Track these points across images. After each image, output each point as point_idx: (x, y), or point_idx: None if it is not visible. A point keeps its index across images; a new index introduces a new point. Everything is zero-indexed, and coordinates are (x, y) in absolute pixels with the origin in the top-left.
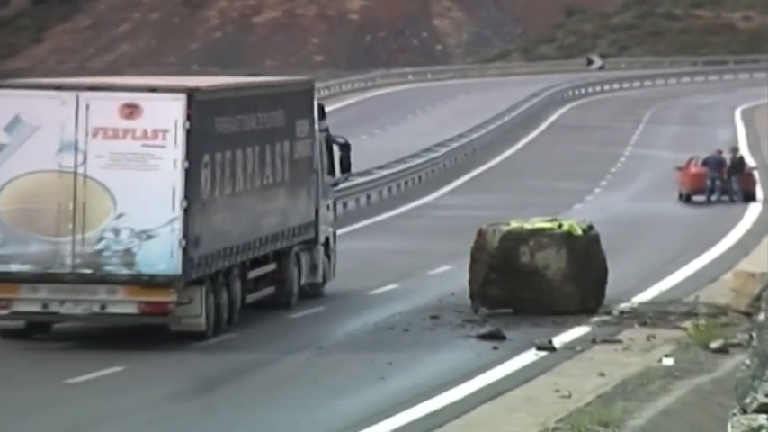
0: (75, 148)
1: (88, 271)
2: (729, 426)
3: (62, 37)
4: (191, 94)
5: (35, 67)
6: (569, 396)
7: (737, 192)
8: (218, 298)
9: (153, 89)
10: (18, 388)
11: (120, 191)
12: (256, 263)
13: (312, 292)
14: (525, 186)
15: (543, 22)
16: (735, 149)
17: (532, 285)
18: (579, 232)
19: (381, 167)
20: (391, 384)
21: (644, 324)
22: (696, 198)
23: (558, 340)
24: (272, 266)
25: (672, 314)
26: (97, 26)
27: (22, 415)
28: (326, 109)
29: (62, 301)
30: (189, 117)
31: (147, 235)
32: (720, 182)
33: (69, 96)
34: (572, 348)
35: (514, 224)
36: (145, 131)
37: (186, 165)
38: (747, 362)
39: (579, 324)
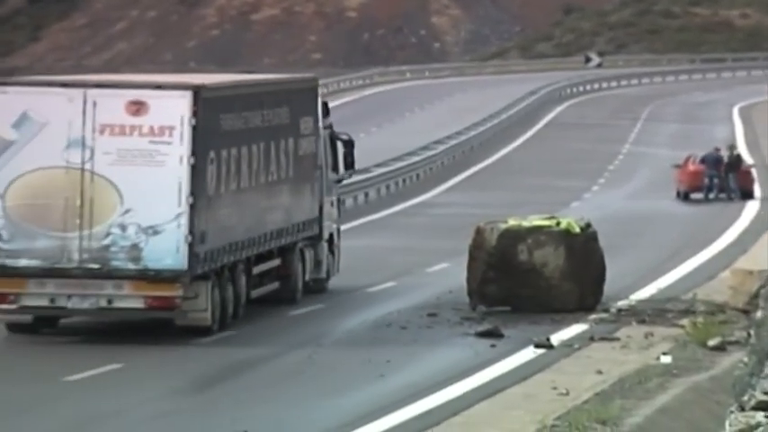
0: (83, 145)
1: (95, 266)
2: (727, 423)
3: (59, 35)
4: (197, 91)
5: (32, 66)
6: (567, 394)
7: (735, 189)
8: (224, 293)
9: (159, 86)
10: (17, 385)
11: (127, 187)
12: (261, 258)
13: (316, 288)
14: (523, 184)
15: (541, 19)
16: (732, 147)
17: (530, 283)
18: (577, 230)
19: (379, 165)
20: (390, 382)
21: (642, 322)
22: (694, 196)
23: (556, 338)
24: (276, 262)
25: (670, 312)
26: (94, 24)
27: (22, 412)
28: None
29: (69, 296)
30: (195, 114)
31: (153, 230)
32: (718, 179)
33: (77, 93)
34: (570, 346)
35: (512, 222)
36: (151, 128)
37: (192, 161)
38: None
39: (577, 322)
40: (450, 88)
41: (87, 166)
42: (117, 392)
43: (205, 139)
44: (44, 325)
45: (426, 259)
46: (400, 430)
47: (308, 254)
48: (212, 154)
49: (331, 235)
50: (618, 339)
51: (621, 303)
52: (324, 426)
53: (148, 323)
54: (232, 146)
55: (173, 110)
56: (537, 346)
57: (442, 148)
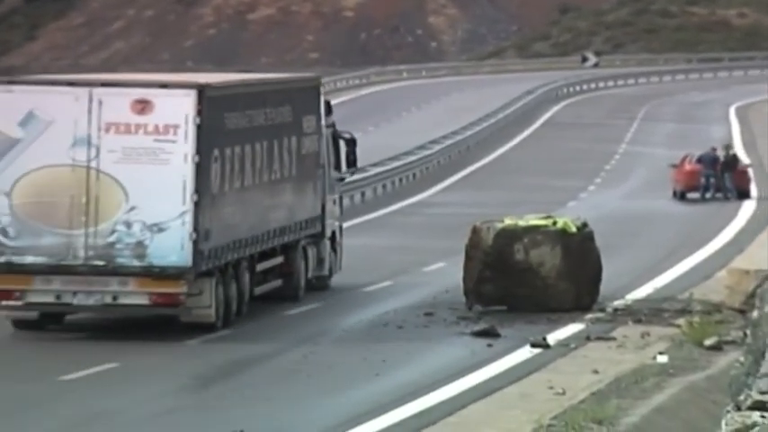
0: (88, 143)
1: (100, 263)
2: (723, 423)
3: (56, 34)
4: (201, 89)
5: (29, 65)
6: (563, 393)
7: (731, 189)
8: (228, 290)
9: (164, 85)
10: (13, 384)
11: (132, 185)
12: (264, 256)
13: (319, 285)
14: (520, 183)
15: (538, 19)
16: (728, 147)
17: (527, 283)
18: (574, 229)
19: (375, 164)
20: (386, 381)
21: (638, 321)
22: (691, 195)
23: (553, 337)
24: (279, 259)
25: (666, 311)
26: (91, 23)
27: (17, 411)
28: None
29: (75, 293)
30: (199, 112)
31: (158, 228)
32: (715, 179)
33: (82, 92)
34: (566, 345)
35: (509, 221)
36: (156, 126)
37: (197, 159)
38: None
39: (573, 321)
40: (447, 88)
41: (93, 164)
42: (114, 392)
43: (209, 138)
44: (50, 321)
45: (423, 258)
46: (396, 429)
47: (311, 251)
48: (216, 152)
49: (333, 233)
50: (614, 339)
51: (618, 303)
52: (320, 425)
53: (147, 321)
54: (236, 144)
55: (177, 108)
56: (533, 345)
57: (438, 147)
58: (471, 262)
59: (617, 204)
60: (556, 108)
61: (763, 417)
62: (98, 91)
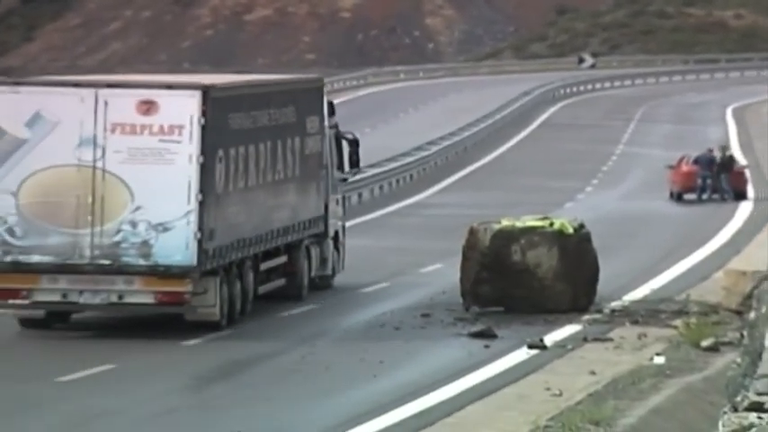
0: (94, 144)
1: (106, 262)
2: (720, 424)
3: (53, 35)
4: (206, 90)
5: (26, 66)
6: (560, 394)
7: (728, 190)
8: (232, 289)
9: (169, 86)
10: (9, 385)
11: (138, 184)
12: (268, 255)
13: (322, 285)
14: (516, 185)
15: (535, 20)
16: (724, 148)
17: (524, 284)
18: (570, 231)
19: (372, 166)
20: (383, 382)
21: (635, 322)
22: (687, 196)
23: (550, 339)
24: (283, 259)
25: (663, 312)
26: (88, 24)
27: (13, 413)
28: None
29: (81, 292)
30: (204, 113)
31: (163, 227)
32: (711, 180)
33: (88, 93)
34: (563, 347)
35: (506, 222)
36: (161, 127)
37: (201, 159)
38: (738, 360)
39: (570, 322)
40: (444, 89)
41: (99, 165)
42: (112, 392)
43: (214, 138)
44: (56, 320)
45: (420, 260)
46: (394, 430)
47: (314, 251)
48: (221, 152)
49: (336, 233)
50: (611, 340)
51: (615, 304)
52: (318, 425)
53: (147, 322)
54: (240, 144)
55: (182, 109)
56: (530, 346)
57: (435, 148)
58: (468, 263)
59: (614, 205)
60: (553, 109)
61: (759, 418)
62: (104, 92)
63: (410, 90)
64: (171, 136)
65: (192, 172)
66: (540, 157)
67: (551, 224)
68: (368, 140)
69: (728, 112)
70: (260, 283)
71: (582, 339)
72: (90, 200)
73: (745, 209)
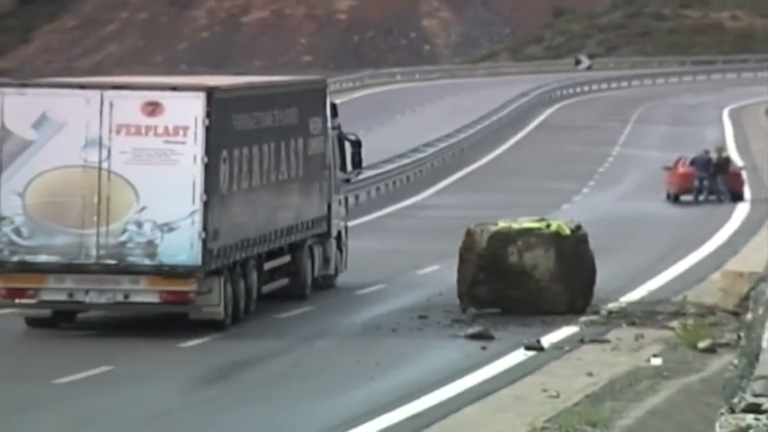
0: (100, 144)
1: (112, 262)
2: (717, 425)
3: (49, 37)
4: (210, 92)
5: (22, 68)
6: (557, 396)
7: (724, 191)
8: (236, 288)
9: (174, 88)
10: (6, 387)
11: (143, 185)
12: (272, 255)
13: (325, 284)
14: (513, 186)
15: (531, 22)
16: (720, 149)
17: (521, 285)
18: (567, 232)
19: (369, 167)
20: (379, 384)
21: (632, 324)
22: (684, 198)
23: (547, 340)
24: (286, 258)
25: (660, 314)
26: (84, 26)
27: (10, 414)
28: None
29: (87, 291)
30: (208, 114)
31: (168, 227)
32: (708, 182)
33: (94, 95)
34: (560, 348)
35: (503, 224)
36: (166, 128)
37: (206, 160)
38: (735, 361)
39: (567, 324)
40: (440, 90)
41: (104, 165)
42: (108, 394)
43: (218, 139)
44: (62, 319)
45: (417, 261)
46: None
47: (317, 251)
48: (225, 153)
49: (339, 233)
50: (608, 341)
51: (612, 305)
52: (313, 428)
53: (142, 324)
54: (244, 145)
55: (187, 110)
56: (527, 348)
57: (432, 150)
58: (465, 265)
59: (610, 207)
60: (549, 111)
61: (757, 419)
62: (109, 93)
63: (407, 92)
64: (176, 137)
65: (196, 172)
66: (537, 159)
67: (548, 226)
68: (364, 142)
69: (725, 113)
70: (264, 282)
71: (579, 341)
72: (96, 200)
73: (741, 210)
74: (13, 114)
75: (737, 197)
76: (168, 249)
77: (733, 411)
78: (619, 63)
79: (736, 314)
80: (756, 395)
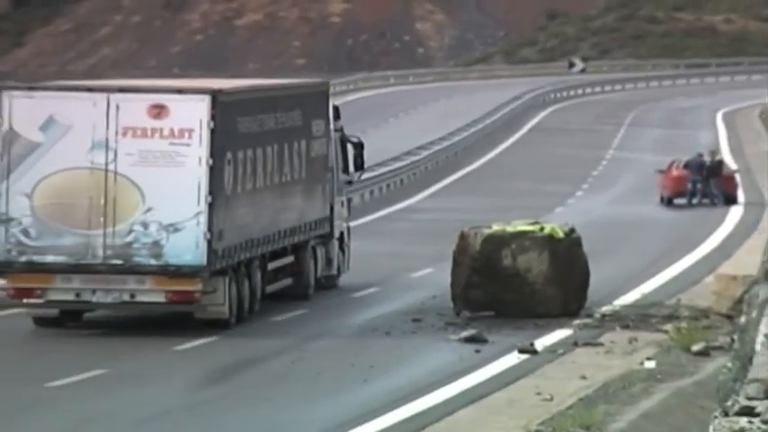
0: (106, 147)
1: (118, 262)
2: (711, 429)
3: (43, 40)
4: (215, 95)
5: (16, 71)
6: (551, 399)
7: (717, 195)
8: (241, 288)
9: (179, 90)
10: (3, 389)
11: (149, 186)
12: (275, 255)
13: (327, 285)
14: (507, 189)
15: (525, 24)
16: (713, 152)
17: (514, 288)
18: (561, 235)
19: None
20: (373, 387)
21: (626, 327)
22: (678, 201)
23: (540, 343)
24: (290, 259)
25: (654, 317)
26: (78, 30)
27: (2, 418)
28: None
29: (94, 291)
30: (213, 117)
31: (174, 228)
32: (701, 185)
33: (100, 97)
34: (554, 351)
35: (496, 227)
36: (172, 130)
37: (210, 162)
38: (729, 365)
39: (561, 327)
40: (434, 93)
41: (111, 167)
42: (101, 398)
43: (223, 141)
44: (69, 319)
45: (410, 264)
46: None
47: (320, 251)
48: (229, 155)
49: (341, 233)
50: (602, 344)
51: (605, 309)
52: (306, 430)
53: (140, 325)
54: (248, 147)
55: (192, 113)
56: (521, 351)
57: (425, 153)
58: (459, 268)
59: (604, 210)
60: (543, 114)
61: (750, 422)
62: (115, 96)
63: (400, 95)
64: (181, 139)
65: (201, 174)
66: (531, 162)
67: (542, 229)
68: None
69: (719, 116)
70: (267, 282)
71: (572, 344)
72: (102, 201)
73: (735, 213)
74: (20, 117)
75: (731, 200)
76: (174, 250)
77: (726, 414)
78: (612, 66)
79: (729, 317)
80: (750, 398)
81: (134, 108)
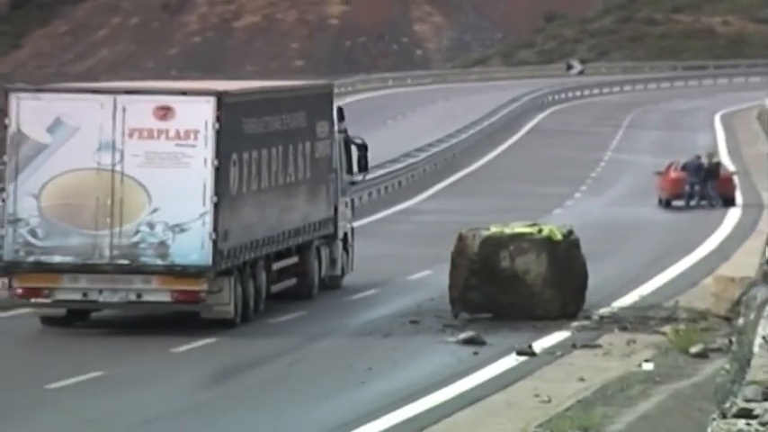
0: (113, 148)
1: (125, 262)
2: (709, 430)
3: (41, 42)
4: (220, 96)
5: (13, 73)
6: (549, 401)
7: (714, 197)
8: (246, 287)
9: (185, 92)
10: (1, 391)
11: (155, 187)
12: (280, 256)
13: (331, 285)
14: (505, 191)
15: (523, 26)
16: (711, 155)
17: (513, 290)
18: (559, 237)
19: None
20: (371, 389)
21: (624, 329)
22: (676, 203)
23: (539, 345)
24: (294, 259)
25: (652, 319)
26: (76, 31)
27: (2, 420)
28: None
29: (101, 290)
30: (218, 118)
31: (179, 228)
32: (699, 187)
33: (107, 99)
34: (552, 353)
35: (494, 229)
36: (177, 132)
37: (216, 163)
38: (727, 366)
39: (559, 329)
40: (432, 95)
41: (117, 168)
42: (101, 399)
43: (228, 143)
44: (76, 318)
45: (408, 266)
46: None
47: (324, 252)
48: (234, 156)
49: (345, 234)
50: (600, 346)
51: (604, 310)
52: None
53: (137, 328)
54: (253, 149)
55: (197, 115)
56: (519, 353)
57: (424, 155)
58: (457, 270)
59: (602, 212)
60: (541, 115)
61: (748, 424)
62: (122, 98)
63: (398, 97)
64: (187, 140)
65: (206, 175)
66: (529, 164)
67: (540, 231)
68: None
69: (717, 118)
70: (272, 282)
71: (571, 346)
72: (109, 202)
73: (733, 215)
74: (28, 118)
75: (729, 202)
76: (180, 250)
77: (724, 416)
78: (610, 68)
79: (727, 319)
80: (748, 400)
81: (140, 110)
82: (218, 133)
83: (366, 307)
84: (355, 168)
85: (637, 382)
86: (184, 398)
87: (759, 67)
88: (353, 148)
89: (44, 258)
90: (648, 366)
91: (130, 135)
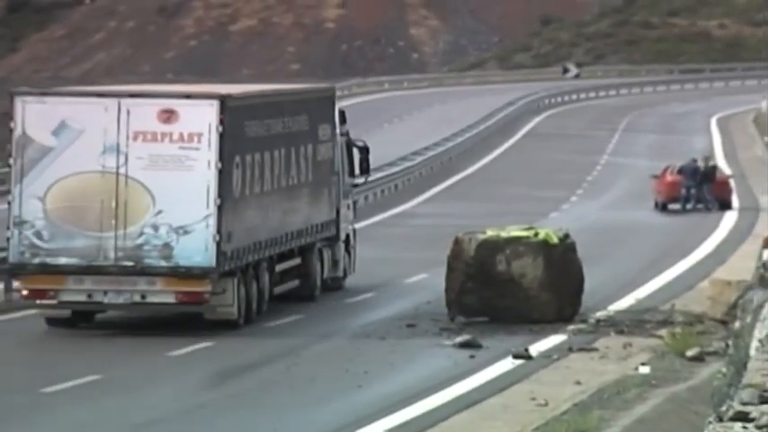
0: (117, 151)
1: (129, 264)
2: None
3: (37, 46)
4: (223, 100)
5: (10, 77)
6: (546, 404)
7: (710, 200)
8: (249, 289)
9: (188, 96)
10: None
11: (159, 190)
12: (283, 257)
13: (334, 286)
14: (501, 194)
15: (519, 30)
16: (707, 158)
17: (509, 294)
18: (555, 241)
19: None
20: (368, 393)
21: (620, 332)
22: (672, 206)
23: (535, 348)
24: (297, 261)
25: (648, 322)
26: (72, 35)
27: (3, 421)
28: None
29: (105, 292)
30: (222, 121)
31: (183, 230)
32: (696, 190)
33: (111, 103)
34: (548, 357)
35: (491, 232)
36: (181, 135)
37: (219, 165)
38: (723, 370)
39: (556, 332)
40: (428, 99)
41: (122, 171)
42: (96, 403)
43: (231, 145)
44: (81, 319)
45: (405, 270)
46: None
47: (326, 254)
48: (238, 159)
49: (347, 236)
50: (596, 350)
51: (600, 314)
52: None
53: (135, 329)
54: (256, 151)
55: (201, 118)
56: (515, 356)
57: (420, 158)
58: (453, 273)
59: (599, 215)
60: (537, 119)
61: (744, 428)
62: (126, 101)
63: (395, 100)
64: (190, 143)
65: (210, 177)
66: (525, 168)
67: (536, 234)
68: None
69: (713, 121)
70: (275, 283)
71: (567, 349)
72: (114, 204)
73: (729, 219)
74: (33, 122)
75: (726, 206)
76: (183, 251)
77: (721, 420)
78: (606, 71)
79: (724, 323)
80: (744, 403)
81: (144, 113)
82: (222, 136)
83: (362, 310)
84: (357, 171)
85: (633, 385)
86: (181, 401)
87: (755, 70)
88: (355, 151)
89: (49, 260)
90: (645, 370)
91: (135, 138)
